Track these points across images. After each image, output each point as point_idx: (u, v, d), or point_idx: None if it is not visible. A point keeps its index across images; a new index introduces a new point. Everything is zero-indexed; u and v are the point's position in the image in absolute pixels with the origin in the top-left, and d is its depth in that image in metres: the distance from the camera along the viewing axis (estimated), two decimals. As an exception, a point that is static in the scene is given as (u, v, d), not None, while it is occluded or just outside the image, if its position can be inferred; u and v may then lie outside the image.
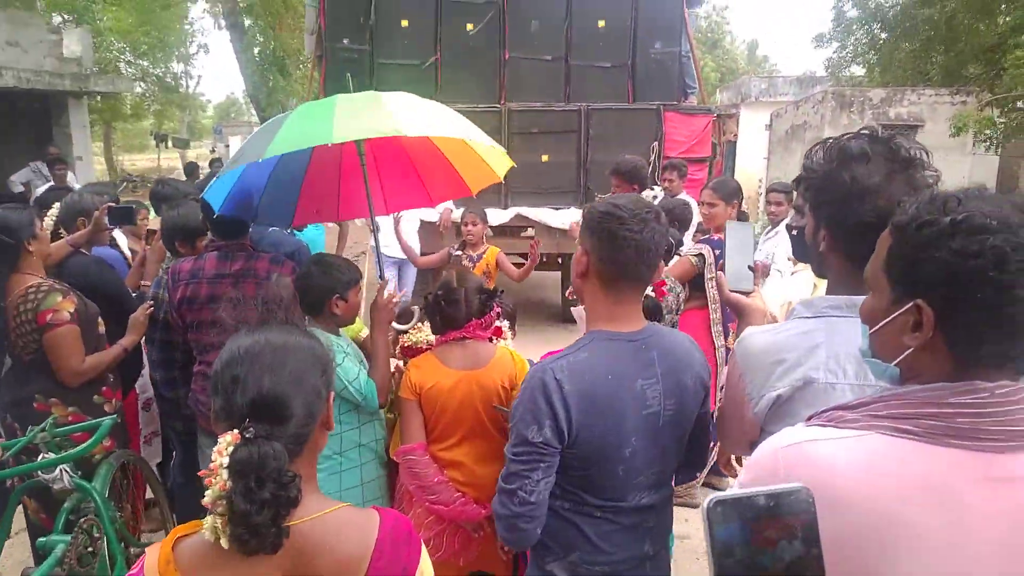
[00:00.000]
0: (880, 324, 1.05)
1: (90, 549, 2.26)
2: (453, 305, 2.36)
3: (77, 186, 8.24)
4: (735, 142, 19.91)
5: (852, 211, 1.34)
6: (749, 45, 45.76)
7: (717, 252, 3.56)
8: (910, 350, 1.00)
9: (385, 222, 5.98)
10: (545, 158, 6.68)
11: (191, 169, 11.59)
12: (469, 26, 6.45)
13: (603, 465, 1.61)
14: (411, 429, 2.39)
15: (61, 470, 2.35)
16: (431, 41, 6.50)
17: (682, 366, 1.67)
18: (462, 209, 6.06)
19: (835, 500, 0.95)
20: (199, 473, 1.11)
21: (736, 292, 1.76)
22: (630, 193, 1.71)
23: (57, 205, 3.27)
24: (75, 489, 2.42)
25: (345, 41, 6.44)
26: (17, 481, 2.54)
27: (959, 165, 11.63)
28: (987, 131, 10.06)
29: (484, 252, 4.87)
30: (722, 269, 1.81)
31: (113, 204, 3.19)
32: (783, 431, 1.08)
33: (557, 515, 1.67)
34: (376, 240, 3.66)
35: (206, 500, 1.08)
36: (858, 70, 15.16)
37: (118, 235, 3.84)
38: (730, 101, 21.47)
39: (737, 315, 1.78)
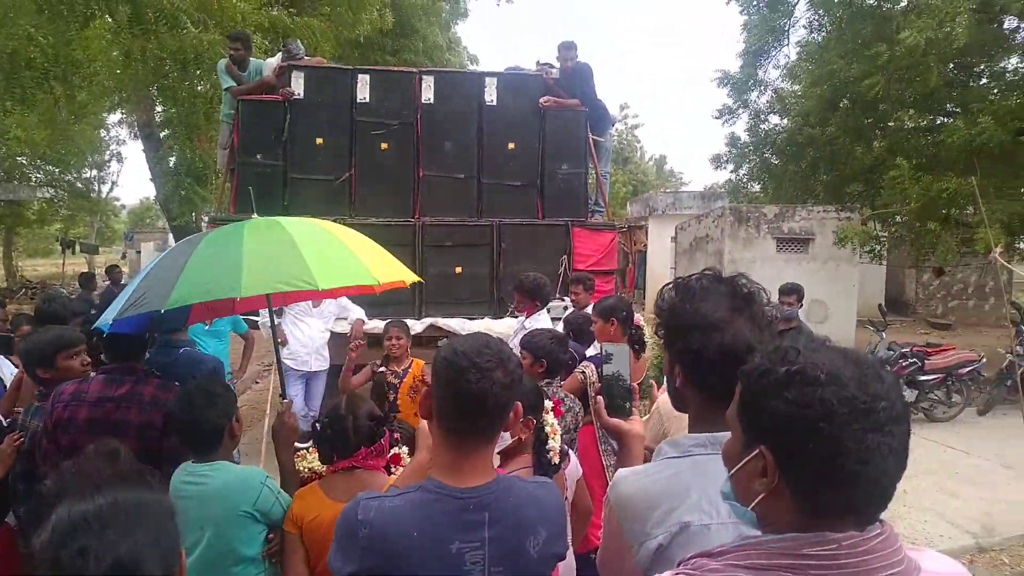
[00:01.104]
0: (735, 468, 1.08)
1: None
2: (340, 433, 2.30)
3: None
4: (645, 252, 20.88)
5: (699, 346, 1.39)
6: (657, 161, 48.75)
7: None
8: (761, 495, 1.02)
9: (292, 330, 5.88)
10: (458, 270, 6.80)
11: (86, 280, 11.04)
12: (384, 145, 6.64)
13: None
14: (292, 565, 2.29)
15: None
16: (345, 158, 6.64)
17: (523, 533, 1.54)
18: (376, 321, 6.07)
19: None
20: None
21: (614, 417, 1.72)
22: (481, 334, 1.68)
23: (-75, 328, 3.08)
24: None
25: (258, 156, 6.49)
26: None
27: (849, 274, 12.45)
28: (869, 244, 10.90)
29: (409, 366, 4.77)
30: (600, 393, 1.77)
31: None
32: None
33: None
34: (278, 355, 3.60)
35: None
36: (756, 186, 16.34)
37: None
38: (639, 214, 22.61)
39: (616, 440, 1.76)
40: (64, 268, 24.82)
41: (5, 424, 3.05)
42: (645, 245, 21.44)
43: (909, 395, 8.15)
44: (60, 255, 25.25)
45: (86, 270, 16.22)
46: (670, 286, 1.52)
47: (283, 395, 2.99)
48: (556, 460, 2.35)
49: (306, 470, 2.56)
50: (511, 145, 6.93)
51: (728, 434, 1.16)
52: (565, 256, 6.87)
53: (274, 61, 6.96)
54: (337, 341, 6.08)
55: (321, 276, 2.42)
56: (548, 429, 2.34)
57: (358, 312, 6.02)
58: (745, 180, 15.48)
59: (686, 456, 1.41)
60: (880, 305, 10.20)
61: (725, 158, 15.28)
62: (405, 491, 1.55)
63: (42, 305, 3.97)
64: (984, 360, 8.58)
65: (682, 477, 1.38)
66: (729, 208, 12.84)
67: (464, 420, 1.53)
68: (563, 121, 7.04)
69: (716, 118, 15.17)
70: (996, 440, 7.53)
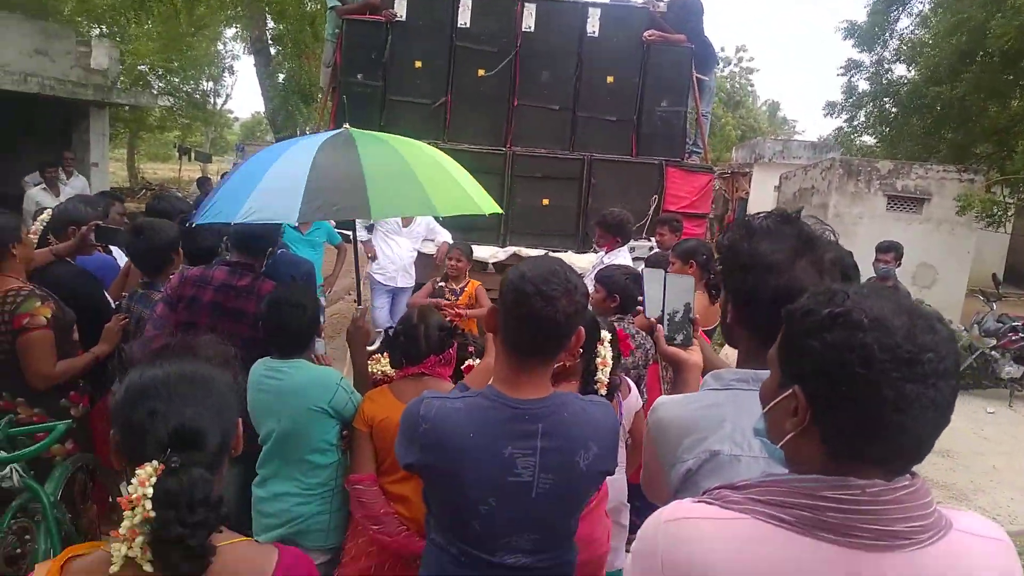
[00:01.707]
0: (768, 405, 1.09)
1: (19, 551, 2.30)
2: (411, 340, 2.42)
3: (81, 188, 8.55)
4: (747, 199, 20.12)
5: (752, 286, 1.38)
6: (770, 106, 46.40)
7: None
8: (791, 435, 1.02)
9: (382, 246, 6.11)
10: (545, 202, 6.80)
11: (202, 183, 11.96)
12: (481, 72, 6.61)
13: (455, 513, 1.63)
14: (362, 459, 2.45)
15: (11, 469, 2.41)
16: (443, 83, 6.66)
17: (575, 447, 1.61)
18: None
19: None
20: (118, 500, 1.13)
21: (674, 346, 1.73)
22: (552, 260, 1.71)
23: (48, 212, 3.38)
24: (25, 489, 2.47)
25: (359, 76, 6.60)
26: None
27: (964, 240, 11.62)
28: (992, 211, 10.13)
29: (466, 285, 5.12)
30: (660, 322, 1.78)
31: (100, 223, 3.28)
32: (672, 503, 1.12)
33: (432, 545, 1.72)
34: (357, 269, 3.72)
35: (122, 529, 1.10)
36: (869, 139, 15.36)
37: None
38: (744, 160, 21.70)
39: (674, 369, 1.77)
40: (180, 173, 26.38)
41: (113, 306, 3.35)
42: (747, 192, 20.65)
43: (1015, 371, 7.68)
44: (177, 161, 26.81)
45: (200, 176, 17.25)
46: (735, 224, 1.50)
47: (358, 301, 3.14)
48: (603, 392, 2.37)
49: (379, 373, 2.71)
50: (610, 79, 6.76)
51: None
52: (656, 196, 6.75)
53: (380, -19, 6.97)
54: (423, 261, 6.28)
55: (440, 204, 2.55)
56: (598, 360, 2.36)
57: (445, 235, 6.17)
58: (859, 130, 14.55)
59: (726, 389, 1.42)
60: (994, 274, 9.51)
61: (840, 106, 14.37)
62: (465, 395, 1.65)
63: (153, 202, 4.30)
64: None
65: (719, 409, 1.39)
66: (839, 160, 12.12)
67: (526, 342, 1.60)
68: (667, 57, 6.78)
69: (841, 74, 14.27)
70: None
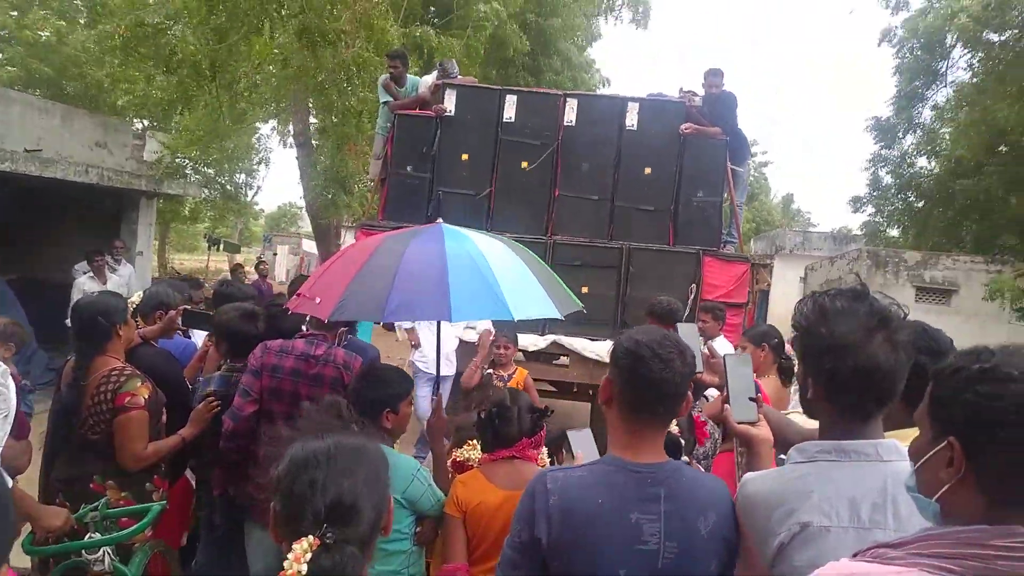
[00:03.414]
0: (921, 460, 1.13)
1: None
2: (506, 423, 2.43)
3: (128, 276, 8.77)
4: (768, 291, 20.14)
5: (832, 366, 1.44)
6: (784, 199, 47.22)
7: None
8: (947, 486, 1.07)
9: (425, 337, 6.16)
10: (585, 290, 6.85)
11: (235, 270, 12.46)
12: (524, 164, 6.86)
13: None
14: (454, 547, 2.40)
15: (104, 552, 2.41)
16: (487, 174, 6.91)
17: (695, 512, 1.60)
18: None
19: None
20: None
21: (742, 423, 1.80)
22: (659, 328, 1.79)
23: (139, 294, 3.50)
24: (112, 572, 2.46)
25: (408, 168, 6.87)
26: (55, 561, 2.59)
27: (996, 334, 11.55)
28: (1021, 302, 10.12)
29: (513, 373, 5.14)
30: (727, 402, 1.85)
31: (188, 308, 3.39)
32: (829, 564, 1.13)
33: None
34: (439, 360, 3.71)
35: None
36: (894, 231, 15.58)
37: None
38: (764, 251, 21.94)
39: (744, 446, 1.84)
40: (208, 264, 26.93)
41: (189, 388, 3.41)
42: (768, 284, 20.77)
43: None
44: (203, 252, 27.43)
45: (225, 266, 17.76)
46: (809, 299, 1.56)
47: (434, 392, 3.18)
48: None
49: (474, 460, 2.70)
50: (648, 170, 6.96)
51: (855, 442, 1.35)
52: (694, 284, 6.82)
53: (430, 79, 7.36)
54: (464, 349, 6.30)
55: (559, 304, 2.62)
56: None
57: (485, 322, 6.21)
58: (885, 224, 14.83)
59: (811, 461, 1.47)
60: None
61: (865, 199, 14.70)
62: (584, 464, 1.69)
63: (219, 288, 4.43)
64: None
65: (806, 480, 1.44)
66: (866, 251, 12.28)
67: (644, 405, 1.64)
68: (702, 148, 7.00)
69: (867, 168, 14.76)
70: None
